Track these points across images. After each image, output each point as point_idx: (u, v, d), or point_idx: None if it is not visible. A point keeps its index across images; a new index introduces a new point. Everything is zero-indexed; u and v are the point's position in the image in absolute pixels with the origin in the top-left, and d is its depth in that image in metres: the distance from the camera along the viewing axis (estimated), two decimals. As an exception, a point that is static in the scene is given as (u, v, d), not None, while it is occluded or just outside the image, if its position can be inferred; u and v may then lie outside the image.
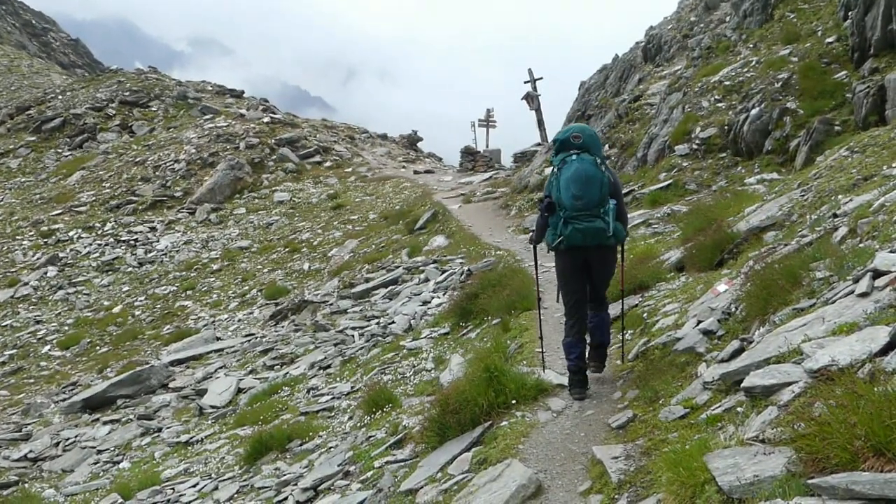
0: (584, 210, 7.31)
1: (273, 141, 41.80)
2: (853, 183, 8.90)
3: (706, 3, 33.58)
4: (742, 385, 5.04)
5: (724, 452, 4.27)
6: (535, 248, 8.19)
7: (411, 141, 53.00)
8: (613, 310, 9.11)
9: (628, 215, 10.26)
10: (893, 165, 8.53)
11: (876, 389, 3.74)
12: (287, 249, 28.54)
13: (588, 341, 7.70)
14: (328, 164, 41.63)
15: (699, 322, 7.43)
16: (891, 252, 5.62)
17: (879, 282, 5.33)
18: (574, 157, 7.40)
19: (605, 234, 7.36)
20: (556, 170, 7.50)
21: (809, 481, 3.47)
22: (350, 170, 40.61)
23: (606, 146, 24.22)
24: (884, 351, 4.29)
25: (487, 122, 45.03)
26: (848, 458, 3.48)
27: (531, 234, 8.07)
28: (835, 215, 7.84)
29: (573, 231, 7.33)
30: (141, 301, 26.29)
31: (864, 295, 5.28)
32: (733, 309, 7.17)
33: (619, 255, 7.94)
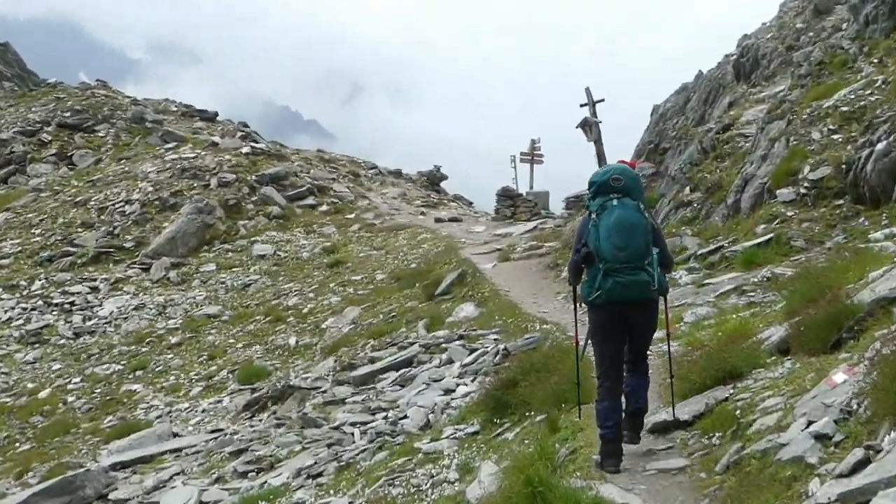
0: (627, 262, 8.33)
1: (254, 177, 42.12)
2: None
3: (816, 5, 33.62)
4: (868, 510, 4.98)
5: None
6: (574, 291, 9.15)
7: (432, 180, 53.56)
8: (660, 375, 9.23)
9: (713, 279, 10.43)
10: None
11: None
12: (268, 318, 28.41)
13: (623, 407, 8.66)
14: (324, 207, 41.90)
15: (810, 423, 7.30)
16: None
17: None
18: (615, 201, 8.43)
19: (649, 287, 8.41)
20: (593, 216, 8.50)
21: None
22: (353, 216, 40.87)
23: (687, 189, 24.38)
24: None
25: (532, 155, 45.51)
26: None
27: (571, 285, 9.21)
28: None
29: (614, 285, 8.32)
30: (76, 383, 26.21)
31: None
32: (855, 406, 7.05)
33: (662, 309, 8.89)
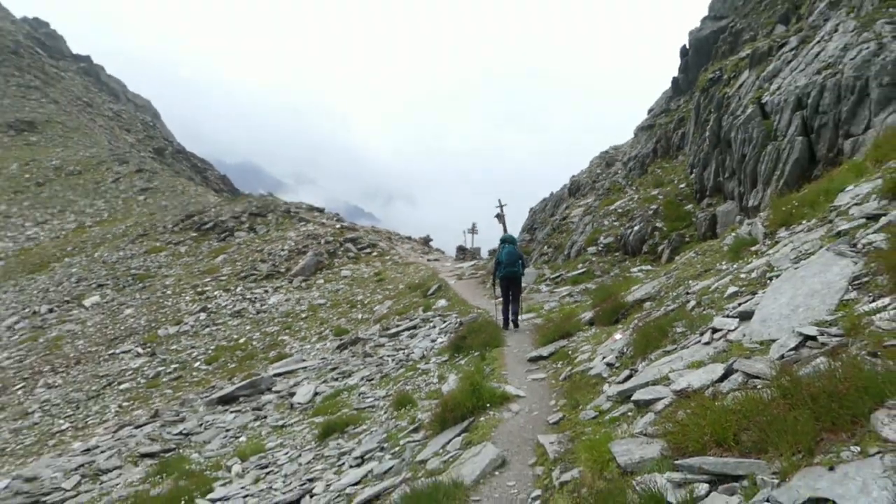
0: (510, 265, 11.66)
1: (342, 239, 41.70)
2: (698, 273, 8.92)
3: (606, 161, 34.02)
4: (631, 398, 5.00)
5: (621, 441, 4.21)
6: (493, 278, 12.32)
7: (425, 241, 52.72)
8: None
9: (558, 289, 11.17)
10: (722, 263, 8.57)
11: (716, 404, 3.71)
12: (348, 305, 27.90)
13: (511, 318, 11.70)
14: (375, 254, 40.85)
15: (604, 358, 7.36)
16: (723, 317, 5.62)
17: (717, 335, 5.32)
18: (507, 245, 11.93)
19: (519, 272, 11.73)
20: (500, 249, 12.05)
21: (675, 462, 3.42)
22: (388, 258, 39.91)
23: (545, 247, 24.17)
24: (720, 379, 4.28)
25: (473, 231, 46.45)
26: (700, 447, 3.44)
27: (492, 276, 12.47)
28: (687, 293, 7.84)
29: (507, 270, 11.69)
30: (257, 336, 25.88)
31: (707, 343, 5.27)
32: (625, 350, 7.10)
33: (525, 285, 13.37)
